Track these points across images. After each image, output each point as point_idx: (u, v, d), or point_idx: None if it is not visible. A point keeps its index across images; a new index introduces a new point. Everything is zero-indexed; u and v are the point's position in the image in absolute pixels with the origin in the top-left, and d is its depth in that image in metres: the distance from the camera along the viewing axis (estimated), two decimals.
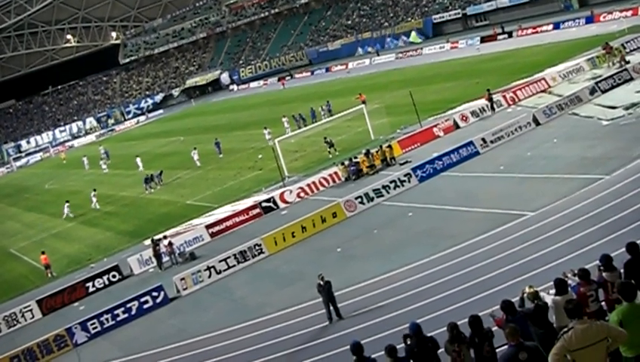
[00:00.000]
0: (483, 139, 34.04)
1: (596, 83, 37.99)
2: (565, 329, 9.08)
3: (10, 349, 25.32)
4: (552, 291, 12.30)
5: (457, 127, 39.84)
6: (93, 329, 26.01)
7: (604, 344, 8.94)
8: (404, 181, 31.92)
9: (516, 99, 41.72)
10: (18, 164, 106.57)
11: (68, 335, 25.70)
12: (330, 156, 42.14)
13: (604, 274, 12.38)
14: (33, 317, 29.98)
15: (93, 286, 31.49)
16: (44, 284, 34.51)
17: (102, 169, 68.26)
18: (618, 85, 37.50)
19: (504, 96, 42.10)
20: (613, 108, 33.64)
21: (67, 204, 49.51)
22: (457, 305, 18.15)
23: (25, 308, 30.13)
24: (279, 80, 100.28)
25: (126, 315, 26.53)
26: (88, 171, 71.70)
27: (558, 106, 36.30)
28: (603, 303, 12.41)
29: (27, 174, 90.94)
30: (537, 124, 35.26)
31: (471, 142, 33.86)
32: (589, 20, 65.11)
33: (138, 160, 60.81)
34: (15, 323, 29.59)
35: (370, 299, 21.19)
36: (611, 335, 9.01)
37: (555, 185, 25.72)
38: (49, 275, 35.77)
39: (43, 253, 36.73)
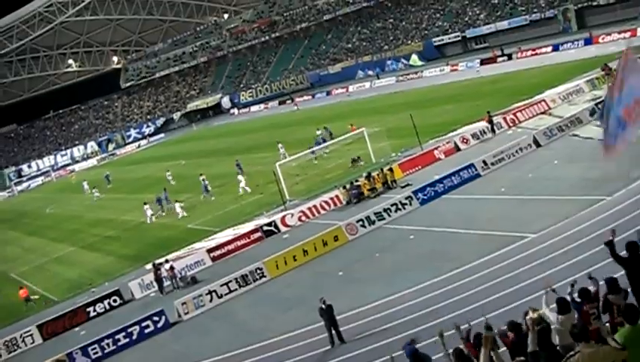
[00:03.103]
0: (484, 162, 34.07)
1: (596, 104, 37.99)
2: (572, 353, 9.06)
3: None
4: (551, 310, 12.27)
5: (458, 149, 39.88)
6: (94, 354, 25.90)
7: None
8: (406, 204, 31.91)
9: (516, 121, 41.81)
10: (19, 188, 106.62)
11: (69, 361, 25.57)
12: (354, 169, 42.67)
13: (609, 296, 12.32)
14: (34, 341, 29.84)
15: (94, 310, 31.38)
16: (45, 309, 34.37)
17: (93, 197, 67.02)
18: None
19: (504, 118, 42.19)
20: None
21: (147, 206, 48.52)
22: (462, 327, 18.00)
23: (25, 332, 29.99)
24: (292, 101, 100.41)
25: (127, 340, 26.42)
26: (88, 196, 71.74)
27: (558, 128, 36.38)
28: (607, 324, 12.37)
29: (28, 198, 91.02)
30: (538, 145, 35.32)
31: (472, 165, 33.88)
32: (588, 42, 65.43)
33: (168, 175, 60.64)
34: (15, 348, 29.47)
35: (372, 322, 21.10)
36: (616, 359, 8.99)
37: (556, 207, 25.69)
38: (33, 303, 35.62)
39: (21, 287, 36.67)
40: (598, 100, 38.91)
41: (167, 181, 56.46)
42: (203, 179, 50.02)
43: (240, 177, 47.70)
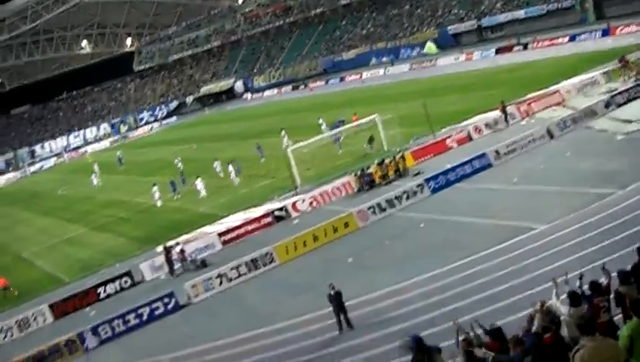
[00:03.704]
0: (496, 151, 33.96)
1: (611, 96, 37.86)
2: (577, 347, 9.11)
3: (22, 353, 25.44)
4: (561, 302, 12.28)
5: (471, 138, 39.77)
6: (104, 334, 26.13)
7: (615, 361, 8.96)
8: (417, 192, 31.91)
9: (530, 112, 41.63)
10: (32, 169, 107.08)
11: (79, 340, 25.82)
12: (367, 152, 42.61)
13: (620, 288, 12.31)
14: (45, 321, 30.13)
15: (105, 291, 31.60)
16: (56, 289, 34.64)
17: (92, 182, 66.69)
18: (634, 99, 37.28)
19: (518, 109, 42.02)
20: (629, 122, 33.49)
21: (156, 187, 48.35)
22: (468, 317, 18.04)
23: (37, 312, 30.28)
24: (306, 86, 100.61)
25: (137, 321, 26.64)
26: (98, 178, 72.08)
27: (572, 119, 36.20)
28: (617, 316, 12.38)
29: (41, 179, 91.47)
30: (551, 137, 35.17)
31: (484, 154, 33.79)
32: (605, 33, 64.89)
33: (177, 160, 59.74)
34: (27, 326, 29.74)
35: (381, 309, 21.17)
36: (619, 355, 9.05)
37: (567, 199, 25.62)
38: (10, 292, 35.94)
39: (1, 276, 37.03)
40: (613, 93, 38.73)
41: (176, 166, 56.49)
42: (233, 162, 49.01)
43: (230, 167, 47.79)
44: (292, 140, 49.95)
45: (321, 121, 54.27)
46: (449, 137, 40.04)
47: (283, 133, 54.26)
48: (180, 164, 57.55)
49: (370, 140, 43.72)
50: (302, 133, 51.71)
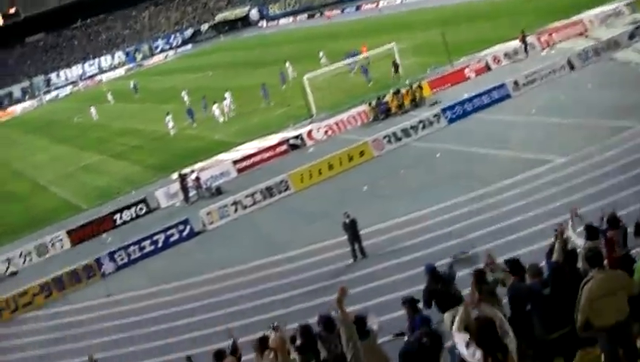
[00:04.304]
0: (515, 82, 33.45)
1: (636, 28, 36.90)
2: (586, 280, 9.05)
3: (41, 277, 25.83)
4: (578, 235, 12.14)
5: (489, 68, 39.15)
6: (121, 260, 26.45)
7: (624, 293, 8.89)
8: (433, 122, 31.65)
9: (551, 42, 40.80)
10: (48, 97, 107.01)
11: (96, 266, 26.15)
12: (393, 79, 41.94)
13: (608, 232, 12.09)
14: (63, 247, 30.50)
15: (121, 218, 31.83)
16: (73, 215, 34.93)
17: (92, 115, 66.05)
18: None
19: (539, 39, 41.17)
20: None
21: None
22: (483, 248, 18.00)
23: (55, 238, 30.63)
24: (321, 15, 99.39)
25: (152, 247, 26.91)
26: (113, 105, 72.05)
27: (594, 50, 35.43)
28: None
29: (57, 108, 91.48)
30: (572, 68, 34.49)
31: (503, 85, 33.30)
32: None
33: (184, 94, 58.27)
34: (46, 252, 30.14)
35: (395, 238, 21.21)
36: (628, 285, 8.98)
37: (587, 131, 25.24)
38: None
39: None
40: (637, 24, 37.78)
41: (182, 100, 55.75)
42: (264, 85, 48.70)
43: (227, 100, 47.57)
44: (309, 69, 49.39)
45: (321, 54, 53.47)
46: (467, 67, 39.46)
47: (287, 64, 53.60)
48: (186, 98, 56.49)
49: (396, 68, 42.98)
50: (317, 62, 51.21)
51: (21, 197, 43.33)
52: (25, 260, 29.74)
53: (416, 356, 8.55)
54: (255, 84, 52.00)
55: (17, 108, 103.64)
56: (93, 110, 66.25)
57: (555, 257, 10.62)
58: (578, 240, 12.22)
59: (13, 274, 28.80)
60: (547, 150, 24.43)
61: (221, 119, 46.11)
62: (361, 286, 18.38)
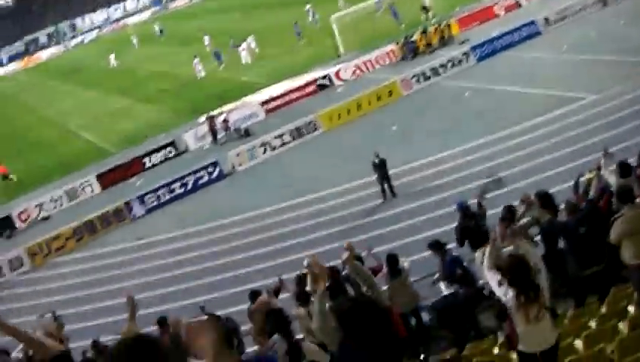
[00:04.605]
0: (546, 19, 32.87)
1: None
2: (616, 216, 8.99)
3: (72, 221, 26.20)
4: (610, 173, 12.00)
5: (519, 5, 38.42)
6: (151, 203, 26.71)
7: None
8: (462, 60, 31.30)
9: None
10: (74, 42, 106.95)
11: (126, 209, 26.46)
12: (424, 20, 41.25)
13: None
14: (93, 191, 30.72)
15: (150, 161, 32.01)
16: (103, 159, 35.17)
17: (110, 64, 66.25)
18: None
19: None
20: None
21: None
22: (513, 187, 17.92)
23: (85, 182, 30.91)
24: None
25: (182, 190, 27.11)
26: (138, 50, 71.92)
27: None
28: None
29: (83, 53, 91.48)
30: (605, 4, 33.67)
31: (533, 22, 32.74)
32: None
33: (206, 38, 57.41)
34: (76, 197, 30.43)
35: (425, 178, 21.20)
36: None
37: (619, 68, 24.83)
38: (11, 179, 36.11)
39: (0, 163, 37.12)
40: None
41: (204, 44, 55.26)
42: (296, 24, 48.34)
43: (246, 43, 47.09)
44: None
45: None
46: (496, 4, 38.68)
47: (308, 7, 52.92)
48: (208, 44, 55.92)
49: (425, 9, 42.26)
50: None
51: (50, 142, 43.62)
52: (55, 205, 29.98)
53: (451, 311, 8.56)
54: (282, 24, 51.51)
55: (43, 55, 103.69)
56: (114, 57, 66.30)
57: (591, 194, 10.54)
58: (610, 177, 12.09)
59: (45, 219, 29.14)
60: (578, 88, 24.09)
61: (248, 60, 45.76)
62: (390, 226, 18.47)
